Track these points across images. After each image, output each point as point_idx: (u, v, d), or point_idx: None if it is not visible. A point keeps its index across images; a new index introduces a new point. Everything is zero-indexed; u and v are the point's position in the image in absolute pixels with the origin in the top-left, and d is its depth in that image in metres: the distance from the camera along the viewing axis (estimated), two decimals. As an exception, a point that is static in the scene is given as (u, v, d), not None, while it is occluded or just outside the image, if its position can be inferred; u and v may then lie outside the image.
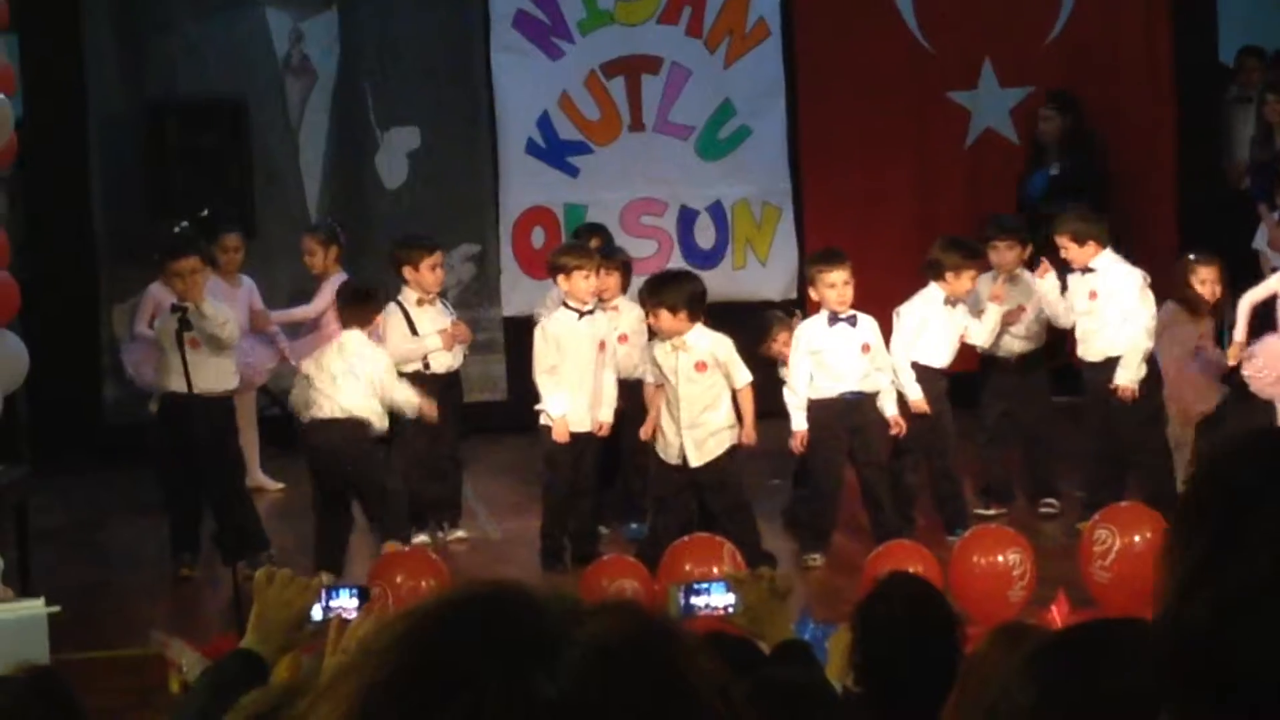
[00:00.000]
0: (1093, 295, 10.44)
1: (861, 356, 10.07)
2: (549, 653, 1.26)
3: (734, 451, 9.84)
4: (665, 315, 9.75)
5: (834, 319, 10.05)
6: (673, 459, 9.82)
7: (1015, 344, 10.86)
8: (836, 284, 10.05)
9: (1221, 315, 11.01)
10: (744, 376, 9.83)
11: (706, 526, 9.47)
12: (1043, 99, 13.53)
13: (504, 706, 1.22)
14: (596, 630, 1.28)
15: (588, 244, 10.85)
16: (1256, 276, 11.51)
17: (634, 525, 10.54)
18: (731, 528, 9.45)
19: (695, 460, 9.75)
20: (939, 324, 10.48)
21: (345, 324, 10.41)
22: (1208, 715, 1.39)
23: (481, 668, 1.25)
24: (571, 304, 10.22)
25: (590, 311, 10.25)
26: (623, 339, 10.54)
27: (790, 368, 10.12)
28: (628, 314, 10.66)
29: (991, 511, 10.65)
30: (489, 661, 1.25)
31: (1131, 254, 10.86)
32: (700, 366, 9.79)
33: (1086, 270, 10.49)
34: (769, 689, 3.94)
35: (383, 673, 1.27)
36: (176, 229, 11.87)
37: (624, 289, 10.88)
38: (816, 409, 10.01)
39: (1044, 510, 10.74)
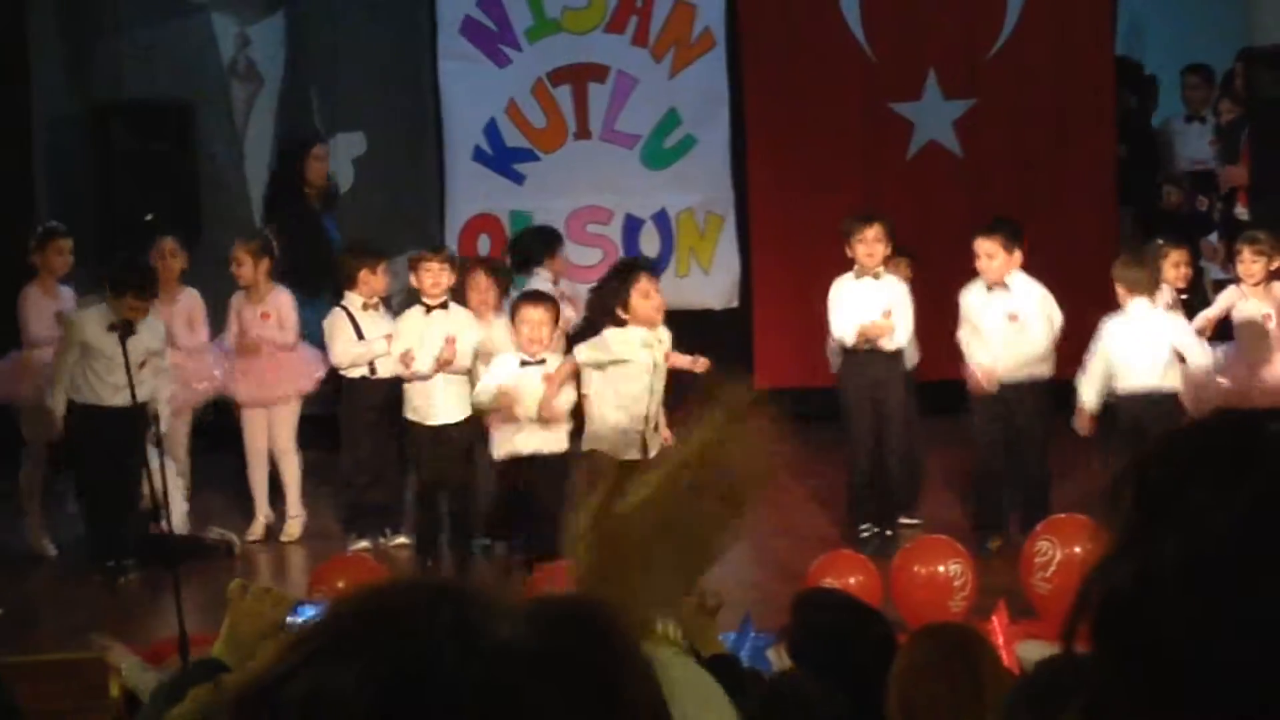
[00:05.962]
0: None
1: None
2: (499, 610, 1.26)
3: None
4: None
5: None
6: None
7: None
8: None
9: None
10: None
11: None
12: (986, 111, 13.58)
13: (452, 643, 1.22)
14: (545, 603, 1.29)
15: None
16: (1201, 294, 11.59)
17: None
18: None
19: None
20: (848, 298, 10.39)
21: None
22: (1130, 686, 1.43)
23: (431, 612, 1.24)
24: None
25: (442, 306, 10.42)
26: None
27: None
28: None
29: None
30: (440, 607, 1.24)
31: (1074, 267, 10.85)
32: None
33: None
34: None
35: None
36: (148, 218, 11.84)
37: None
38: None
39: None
